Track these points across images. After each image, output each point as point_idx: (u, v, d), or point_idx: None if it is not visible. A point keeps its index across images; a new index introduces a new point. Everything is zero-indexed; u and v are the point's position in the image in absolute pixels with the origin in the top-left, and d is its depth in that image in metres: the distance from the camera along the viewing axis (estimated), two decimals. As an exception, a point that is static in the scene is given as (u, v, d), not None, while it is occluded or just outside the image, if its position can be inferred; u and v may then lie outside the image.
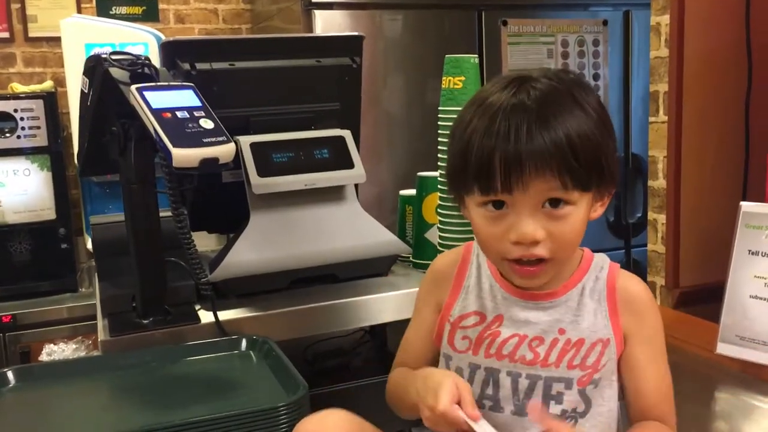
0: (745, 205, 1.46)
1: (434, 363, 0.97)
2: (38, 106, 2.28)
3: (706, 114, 1.72)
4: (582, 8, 2.69)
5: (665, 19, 1.73)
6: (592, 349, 0.88)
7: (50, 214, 2.33)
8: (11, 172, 2.28)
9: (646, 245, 2.61)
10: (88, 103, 1.10)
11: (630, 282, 0.91)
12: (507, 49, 2.55)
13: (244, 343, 1.06)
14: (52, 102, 2.31)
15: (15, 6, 2.69)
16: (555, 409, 0.87)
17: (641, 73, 2.71)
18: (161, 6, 2.88)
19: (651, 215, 1.84)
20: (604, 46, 2.69)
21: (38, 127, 2.27)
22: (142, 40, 2.36)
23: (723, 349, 1.42)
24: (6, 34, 2.68)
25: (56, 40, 2.58)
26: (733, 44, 1.72)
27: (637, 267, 2.77)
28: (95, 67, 1.07)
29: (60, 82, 2.65)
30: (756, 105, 1.74)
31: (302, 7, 2.38)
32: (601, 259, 0.93)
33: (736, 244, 1.44)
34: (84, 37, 2.32)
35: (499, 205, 0.82)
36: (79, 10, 2.75)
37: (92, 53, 1.07)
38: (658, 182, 1.79)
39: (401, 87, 2.48)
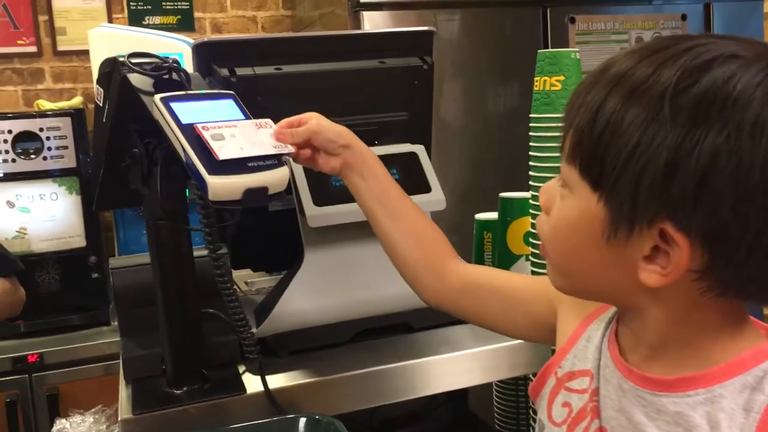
0: None
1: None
2: (65, 124, 2.10)
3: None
4: (658, 1, 2.44)
5: (784, 5, 1.46)
6: None
7: (80, 242, 2.14)
8: (37, 197, 2.10)
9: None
10: (104, 120, 0.88)
11: None
12: (575, 48, 2.30)
13: (302, 424, 0.82)
14: (81, 119, 2.13)
15: (42, 18, 2.52)
16: None
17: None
18: (197, 15, 2.70)
19: None
20: (683, 42, 2.42)
21: (65, 147, 2.09)
22: (176, 50, 2.17)
23: None
24: (33, 48, 2.52)
25: (87, 54, 2.41)
26: None
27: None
28: (111, 73, 0.85)
29: (91, 98, 2.47)
30: None
31: (349, 9, 2.18)
32: None
33: None
34: (114, 48, 2.12)
35: None
36: (111, 21, 2.57)
37: (108, 57, 0.85)
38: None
39: (458, 94, 2.26)
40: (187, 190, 0.91)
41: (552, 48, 2.27)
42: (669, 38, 0.58)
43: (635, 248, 0.56)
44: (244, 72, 1.01)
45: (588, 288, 0.64)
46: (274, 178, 0.75)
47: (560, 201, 0.62)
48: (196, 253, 0.92)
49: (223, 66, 1.01)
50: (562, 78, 1.07)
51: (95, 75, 2.14)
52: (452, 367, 0.98)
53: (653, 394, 0.59)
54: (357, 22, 2.16)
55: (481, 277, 0.84)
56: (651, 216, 0.54)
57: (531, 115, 1.10)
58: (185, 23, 2.69)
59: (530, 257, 1.14)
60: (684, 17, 2.42)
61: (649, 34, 2.39)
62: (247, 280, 1.29)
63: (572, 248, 0.61)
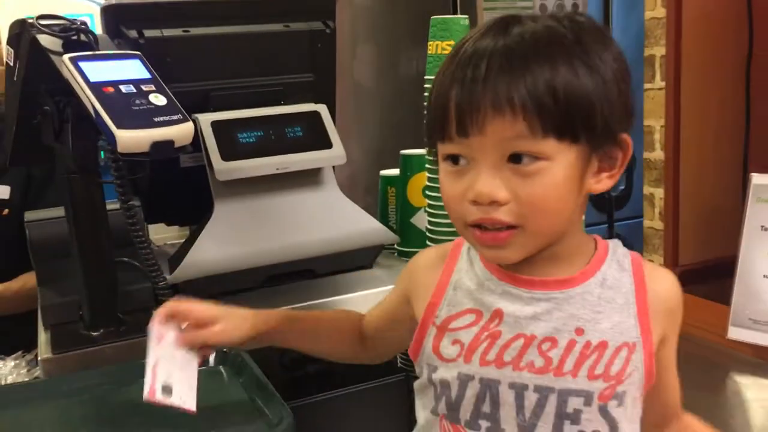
0: (757, 177, 1.34)
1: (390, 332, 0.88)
2: (-28, 86, 2.07)
3: (706, 79, 1.60)
4: (560, -30, 2.56)
5: (661, -23, 1.60)
6: (616, 354, 0.73)
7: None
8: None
9: (628, 219, 2.51)
10: (15, 78, 0.93)
11: (662, 278, 0.77)
12: (482, 15, 2.40)
13: (211, 356, 0.90)
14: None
15: (-56, -23, 2.44)
16: (571, 431, 0.73)
17: (623, 38, 2.59)
18: (108, -25, 2.67)
19: (647, 189, 1.72)
20: (584, 9, 2.55)
21: (-28, 111, 2.06)
22: (86, 11, 2.16)
23: (735, 333, 1.30)
24: (-64, 8, 2.44)
25: (-6, 14, 2.36)
26: (733, 4, 1.60)
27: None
28: (21, 34, 0.89)
29: (1, 60, 2.43)
30: (757, 69, 1.62)
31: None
32: (614, 245, 0.78)
33: (747, 219, 1.33)
34: (22, 9, 2.10)
35: (455, 159, 0.71)
36: (18, -20, 2.52)
37: (18, 19, 0.89)
38: (655, 154, 1.67)
39: (371, 57, 2.33)
40: (102, 153, 0.96)
41: (460, 13, 2.37)
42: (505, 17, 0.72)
43: (591, 169, 0.71)
44: (153, 34, 1.06)
45: (552, 237, 0.73)
46: (179, 132, 0.81)
47: (534, 177, 0.68)
48: (110, 207, 0.98)
49: (132, 28, 1.06)
50: (452, 42, 1.16)
51: (5, 36, 2.12)
52: (353, 307, 1.07)
53: (556, 293, 0.73)
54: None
55: (375, 319, 0.91)
56: (618, 133, 0.70)
57: (425, 77, 1.19)
58: (97, -16, 2.66)
59: (427, 209, 1.24)
60: (584, -14, 2.55)
61: (552, 1, 2.51)
62: (170, 241, 1.36)
63: (563, 205, 0.70)
